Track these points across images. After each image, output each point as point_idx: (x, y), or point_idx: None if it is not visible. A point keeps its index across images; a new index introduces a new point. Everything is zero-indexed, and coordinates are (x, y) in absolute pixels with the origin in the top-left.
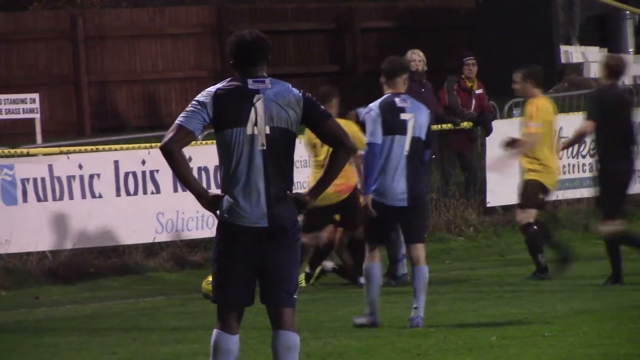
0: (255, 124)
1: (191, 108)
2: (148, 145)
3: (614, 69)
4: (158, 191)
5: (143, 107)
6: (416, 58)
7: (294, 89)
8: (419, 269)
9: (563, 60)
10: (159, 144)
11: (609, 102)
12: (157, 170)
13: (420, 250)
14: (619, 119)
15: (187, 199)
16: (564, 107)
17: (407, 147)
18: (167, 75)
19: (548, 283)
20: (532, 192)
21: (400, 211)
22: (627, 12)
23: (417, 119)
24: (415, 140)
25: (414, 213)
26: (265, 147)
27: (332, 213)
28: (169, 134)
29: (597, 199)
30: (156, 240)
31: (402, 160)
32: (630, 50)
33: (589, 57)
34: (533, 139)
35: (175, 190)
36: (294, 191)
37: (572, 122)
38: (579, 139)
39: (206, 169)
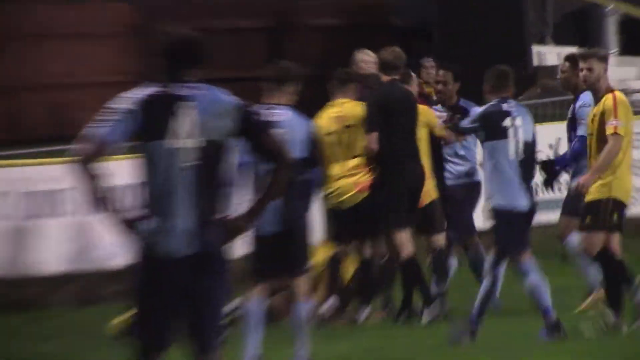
0: (184, 136)
1: (111, 117)
2: (60, 159)
3: (390, 64)
4: (68, 213)
5: (55, 116)
6: (367, 59)
7: (228, 96)
8: (298, 305)
9: (536, 62)
10: (72, 158)
11: (390, 100)
12: (69, 189)
13: (299, 284)
14: (401, 118)
15: (102, 222)
16: (536, 116)
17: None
18: (83, 81)
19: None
20: None
21: (273, 237)
22: (609, 7)
23: (292, 135)
24: None
25: (289, 239)
26: (194, 163)
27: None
28: (84, 147)
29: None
30: (64, 271)
31: None
32: (614, 50)
33: None
34: None
35: (89, 211)
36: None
37: (547, 133)
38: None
39: (124, 187)
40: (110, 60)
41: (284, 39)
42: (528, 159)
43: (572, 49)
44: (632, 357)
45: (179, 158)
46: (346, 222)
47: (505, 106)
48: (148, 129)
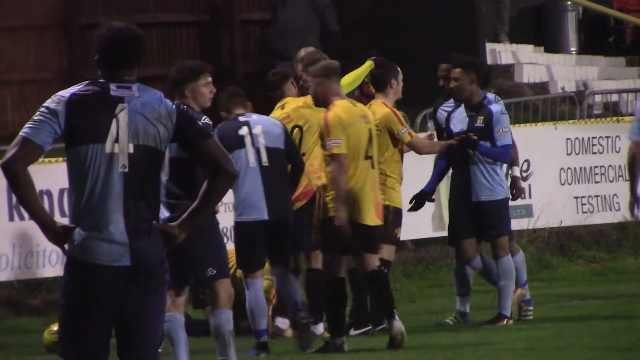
0: (117, 141)
1: (39, 117)
2: None
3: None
4: None
5: None
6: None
7: (166, 99)
8: (216, 313)
9: (489, 61)
10: None
11: None
12: None
13: (215, 291)
14: None
15: (28, 229)
16: None
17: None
18: (1, 78)
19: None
20: None
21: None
22: (569, 2)
23: None
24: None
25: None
26: (127, 170)
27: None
28: (11, 150)
29: None
30: None
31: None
32: (572, 49)
33: (521, 58)
34: None
35: (11, 218)
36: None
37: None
38: None
39: (49, 193)
40: (31, 57)
41: (217, 35)
42: (276, 166)
43: (529, 48)
44: None
45: (113, 164)
46: None
47: (241, 118)
48: (81, 132)
